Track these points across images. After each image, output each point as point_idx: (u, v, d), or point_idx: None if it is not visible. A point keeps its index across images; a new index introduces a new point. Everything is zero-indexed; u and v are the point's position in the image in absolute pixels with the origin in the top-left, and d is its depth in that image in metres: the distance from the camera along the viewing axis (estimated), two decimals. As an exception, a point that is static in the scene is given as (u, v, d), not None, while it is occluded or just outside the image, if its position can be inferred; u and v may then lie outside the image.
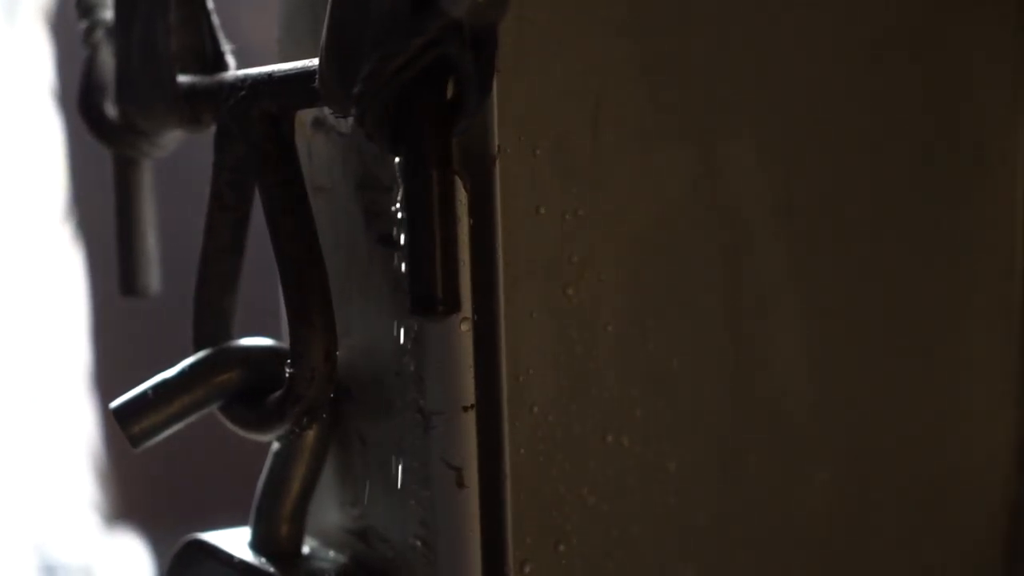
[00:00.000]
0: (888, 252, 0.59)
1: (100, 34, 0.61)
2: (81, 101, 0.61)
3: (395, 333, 0.54)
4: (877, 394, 0.59)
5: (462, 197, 0.51)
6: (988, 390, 0.61)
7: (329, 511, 0.59)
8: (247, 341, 0.57)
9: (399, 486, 0.55)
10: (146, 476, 1.78)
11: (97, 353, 1.84)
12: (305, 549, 0.59)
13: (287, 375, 0.54)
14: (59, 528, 1.94)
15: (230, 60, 0.58)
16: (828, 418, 0.58)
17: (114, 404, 0.55)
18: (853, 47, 0.57)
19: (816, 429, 0.58)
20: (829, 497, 0.59)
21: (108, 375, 1.86)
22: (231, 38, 0.58)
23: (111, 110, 0.60)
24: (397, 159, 0.48)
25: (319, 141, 0.56)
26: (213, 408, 0.56)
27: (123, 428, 0.55)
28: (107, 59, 0.60)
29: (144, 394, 0.55)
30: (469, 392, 0.52)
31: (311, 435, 0.57)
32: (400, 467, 0.55)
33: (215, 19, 0.57)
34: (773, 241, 0.56)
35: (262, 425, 0.55)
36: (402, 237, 0.47)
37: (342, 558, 0.58)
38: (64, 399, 1.91)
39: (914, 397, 0.60)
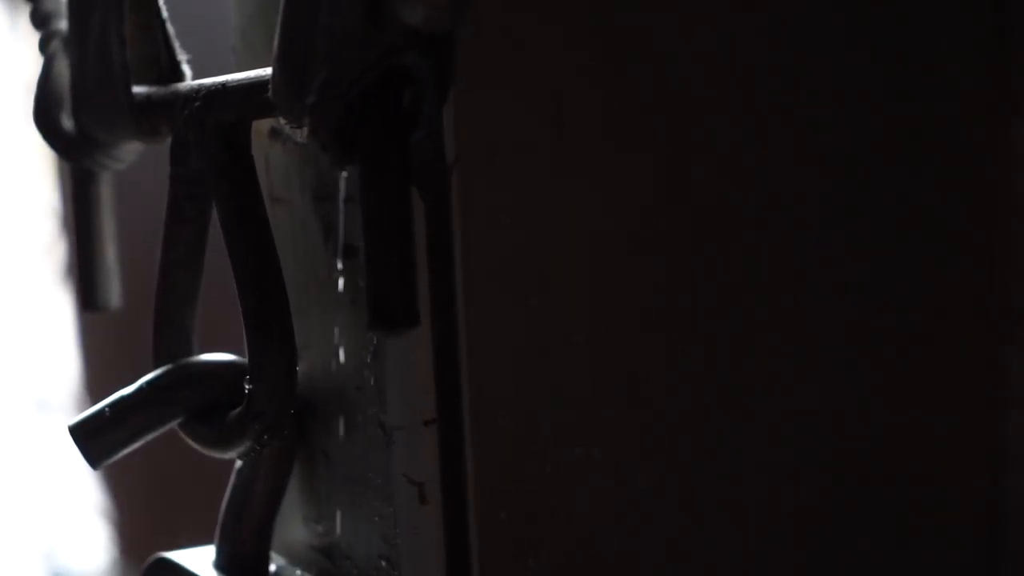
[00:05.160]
0: (865, 255, 0.57)
1: (56, 44, 0.59)
2: (36, 113, 0.59)
3: (355, 347, 0.53)
4: (856, 400, 0.58)
5: (419, 207, 0.49)
6: (966, 393, 0.59)
7: (296, 528, 0.58)
8: (207, 357, 0.56)
9: (362, 503, 0.54)
10: (155, 487, 1.78)
11: (86, 358, 1.84)
12: (272, 567, 0.57)
13: (247, 391, 0.52)
14: (67, 535, 1.94)
15: (186, 70, 0.57)
16: (807, 427, 0.57)
17: (70, 423, 0.54)
18: (826, 43, 0.56)
19: (795, 438, 0.57)
20: (809, 507, 0.57)
21: (102, 380, 1.85)
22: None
23: (67, 122, 0.59)
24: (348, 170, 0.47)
25: (276, 151, 0.55)
26: (173, 425, 0.55)
27: (80, 447, 0.54)
28: (63, 70, 0.59)
29: (101, 412, 0.54)
30: (429, 406, 0.51)
31: (274, 452, 0.56)
32: (363, 483, 0.53)
33: (170, 28, 0.56)
34: (748, 246, 0.55)
35: (222, 442, 0.54)
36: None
37: (309, 576, 0.57)
38: (74, 405, 1.90)
39: (892, 402, 0.58)
